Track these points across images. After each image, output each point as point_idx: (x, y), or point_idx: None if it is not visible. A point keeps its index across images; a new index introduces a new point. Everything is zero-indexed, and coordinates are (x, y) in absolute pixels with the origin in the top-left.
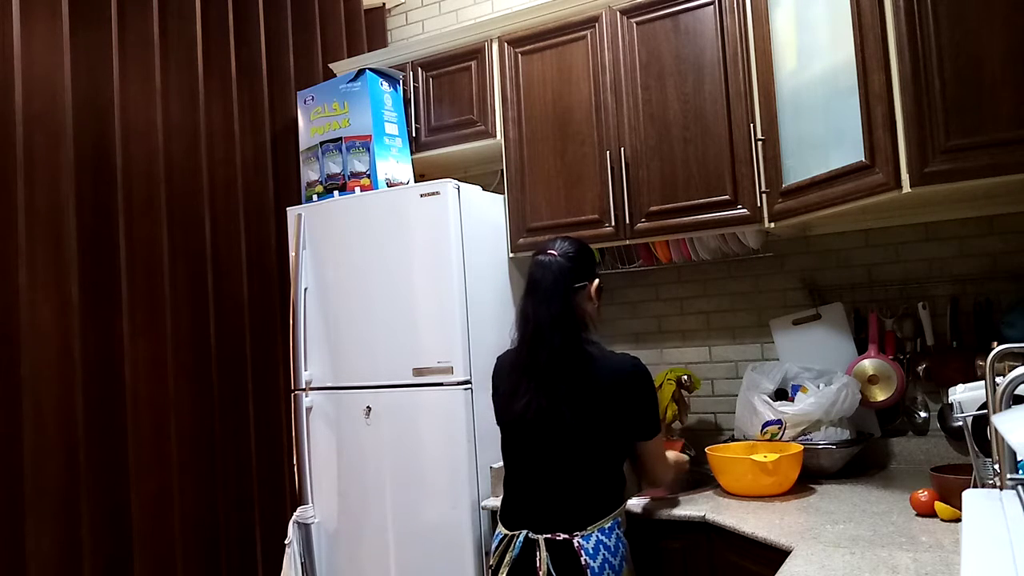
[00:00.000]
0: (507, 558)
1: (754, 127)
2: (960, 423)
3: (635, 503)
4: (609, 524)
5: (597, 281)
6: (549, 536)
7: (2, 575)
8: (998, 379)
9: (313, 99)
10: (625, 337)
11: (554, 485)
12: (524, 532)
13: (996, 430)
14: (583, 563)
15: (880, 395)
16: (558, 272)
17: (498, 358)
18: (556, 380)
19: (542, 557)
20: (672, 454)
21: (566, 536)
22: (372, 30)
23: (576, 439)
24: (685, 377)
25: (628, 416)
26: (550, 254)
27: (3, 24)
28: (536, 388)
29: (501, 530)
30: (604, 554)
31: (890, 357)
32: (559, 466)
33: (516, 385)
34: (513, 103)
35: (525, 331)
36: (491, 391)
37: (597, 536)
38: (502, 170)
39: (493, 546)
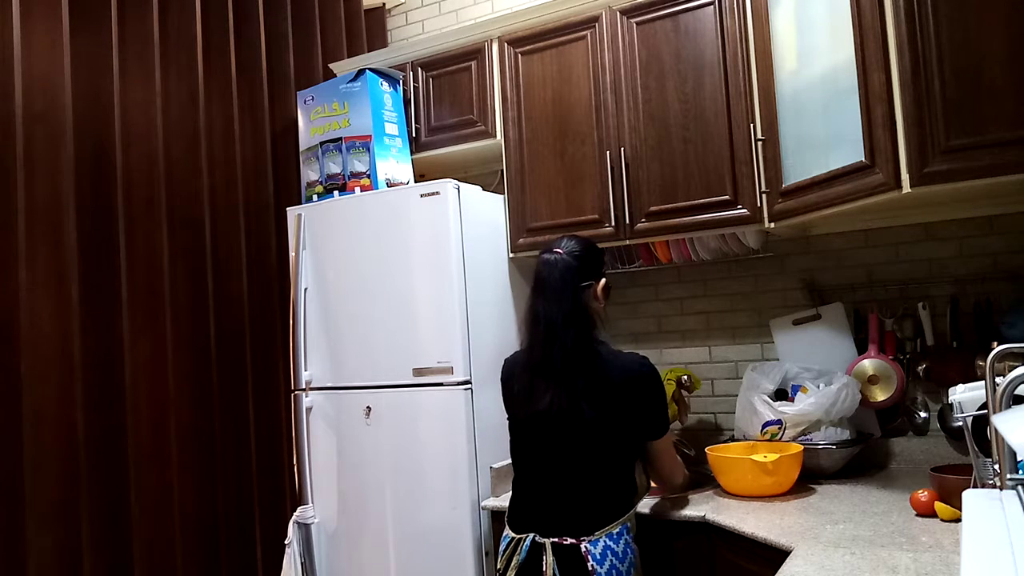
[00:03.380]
0: (514, 561)
1: (754, 127)
2: (960, 423)
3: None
4: (618, 530)
5: (604, 281)
6: (556, 540)
7: (2, 575)
8: (998, 379)
9: (313, 99)
10: (625, 337)
11: (564, 488)
12: (531, 535)
13: (996, 430)
14: (590, 569)
15: (880, 395)
16: (564, 270)
17: (506, 360)
18: (573, 377)
19: (548, 561)
20: None
21: (573, 541)
22: (372, 30)
23: (594, 437)
24: (685, 377)
25: (639, 415)
26: (556, 252)
27: (3, 24)
28: (555, 386)
29: (508, 533)
30: (612, 560)
31: (890, 357)
32: (573, 467)
33: (531, 384)
34: (513, 103)
35: (536, 330)
36: (502, 394)
37: (605, 542)
38: (502, 170)
39: (501, 549)
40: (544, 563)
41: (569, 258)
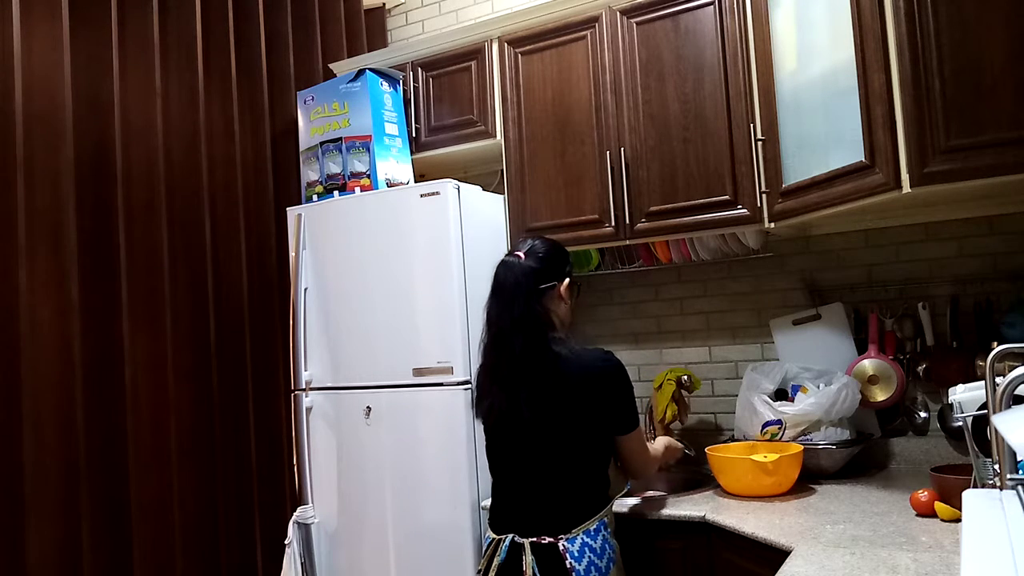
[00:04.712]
0: (494, 563)
1: (754, 127)
2: (960, 423)
3: (634, 503)
4: (595, 526)
5: (568, 281)
6: (534, 540)
7: (2, 575)
8: (998, 379)
9: (313, 99)
10: (625, 337)
11: (536, 488)
12: (510, 536)
13: (996, 430)
14: (568, 566)
15: (880, 395)
16: (520, 274)
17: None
18: (517, 383)
19: (527, 561)
20: (664, 439)
21: (551, 539)
22: (372, 30)
23: (543, 440)
24: (685, 377)
25: (601, 411)
26: (516, 255)
27: (3, 24)
28: (499, 391)
29: (489, 534)
30: (590, 556)
31: (890, 357)
32: (537, 468)
33: (481, 389)
34: (513, 103)
35: (489, 334)
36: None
37: (582, 538)
38: (502, 170)
39: (483, 551)
40: (524, 563)
41: (529, 260)
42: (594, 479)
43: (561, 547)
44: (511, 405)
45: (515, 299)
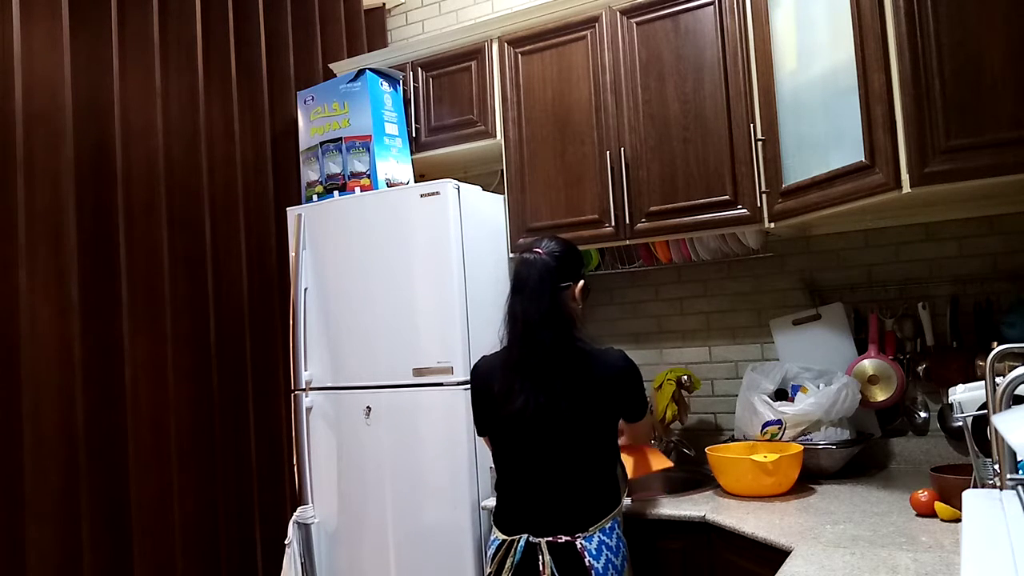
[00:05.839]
0: (508, 563)
1: (754, 127)
2: (960, 423)
3: (634, 503)
4: (609, 524)
5: (582, 283)
6: (551, 539)
7: (2, 575)
8: (998, 379)
9: (313, 99)
10: (625, 337)
11: (553, 486)
12: (524, 536)
13: (996, 430)
14: (587, 564)
15: (880, 395)
16: (543, 270)
17: (477, 363)
18: (551, 377)
19: (545, 560)
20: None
21: (568, 538)
22: (372, 30)
23: (575, 435)
24: (685, 377)
25: (621, 407)
26: (536, 252)
27: (3, 24)
28: (532, 386)
29: (498, 535)
30: (607, 554)
31: (890, 357)
32: (558, 466)
33: (510, 385)
34: (513, 103)
35: (515, 330)
36: (471, 395)
37: (599, 537)
38: (502, 170)
39: (490, 552)
40: (540, 563)
41: (548, 258)
42: (609, 477)
43: (579, 546)
44: (548, 400)
45: (540, 294)
